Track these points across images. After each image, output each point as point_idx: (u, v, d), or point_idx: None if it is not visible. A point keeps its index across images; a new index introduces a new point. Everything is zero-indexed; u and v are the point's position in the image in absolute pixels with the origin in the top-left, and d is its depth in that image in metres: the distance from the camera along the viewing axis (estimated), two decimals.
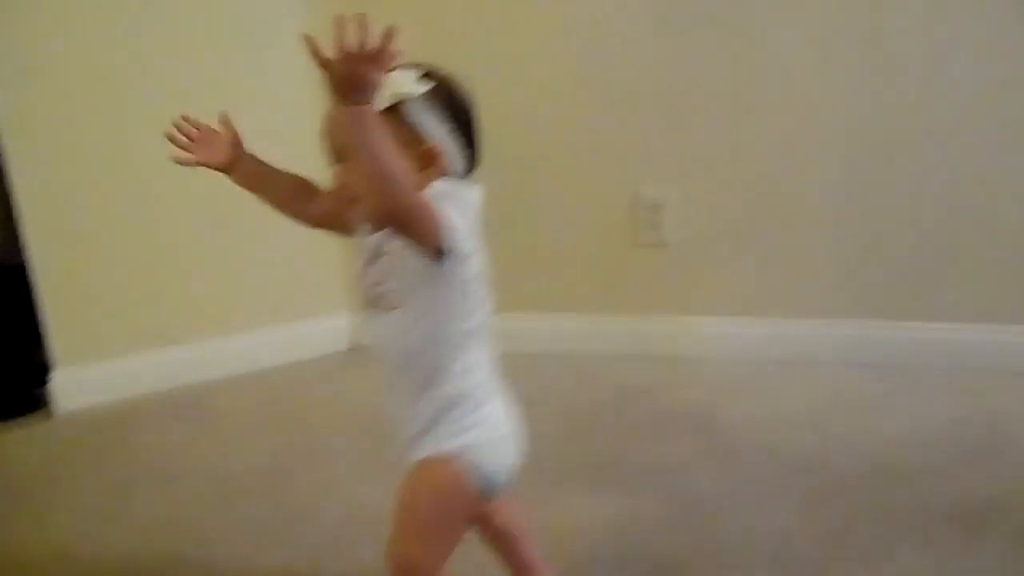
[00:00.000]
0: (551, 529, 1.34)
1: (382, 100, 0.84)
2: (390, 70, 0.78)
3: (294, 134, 2.09)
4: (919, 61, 1.77)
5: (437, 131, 0.89)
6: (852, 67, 1.82)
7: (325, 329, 2.22)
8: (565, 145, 2.04)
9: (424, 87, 0.88)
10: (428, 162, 0.89)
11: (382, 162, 0.78)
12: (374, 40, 0.72)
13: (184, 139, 1.02)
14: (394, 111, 0.87)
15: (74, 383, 1.99)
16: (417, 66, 0.89)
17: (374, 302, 0.94)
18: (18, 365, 2.07)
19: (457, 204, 0.87)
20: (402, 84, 0.87)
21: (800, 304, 1.95)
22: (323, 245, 2.19)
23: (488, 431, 0.93)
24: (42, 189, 1.92)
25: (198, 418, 1.91)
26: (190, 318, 2.11)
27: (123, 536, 1.43)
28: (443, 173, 0.90)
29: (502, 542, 1.10)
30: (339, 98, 0.75)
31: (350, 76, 0.73)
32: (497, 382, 0.98)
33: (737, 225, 1.96)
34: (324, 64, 0.73)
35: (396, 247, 0.88)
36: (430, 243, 0.84)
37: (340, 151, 0.90)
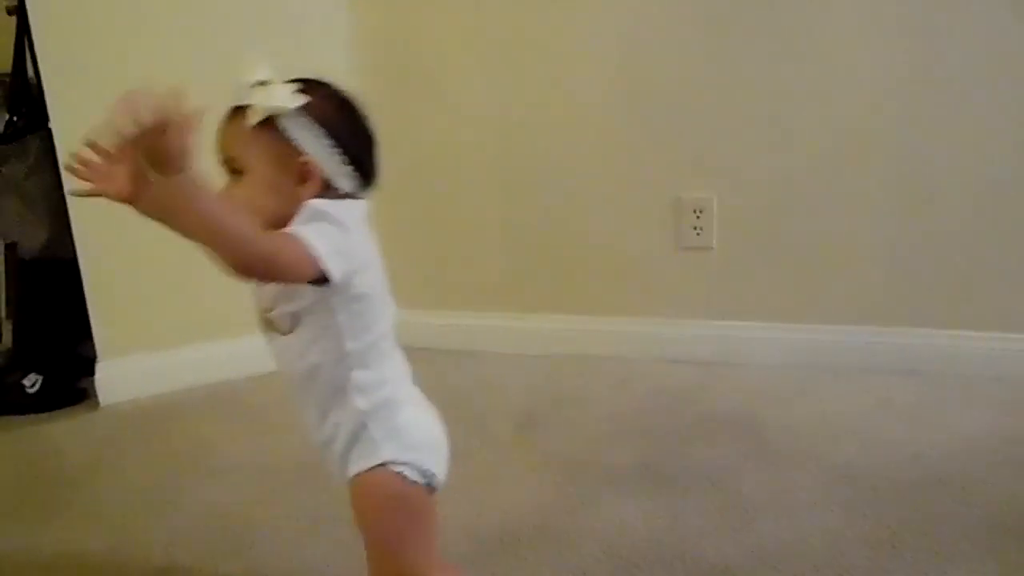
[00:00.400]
0: (597, 531, 1.34)
1: (257, 115, 0.84)
2: (188, 135, 0.71)
3: None
4: (968, 64, 1.75)
5: (313, 146, 0.87)
6: (899, 70, 1.80)
7: None
8: (607, 148, 2.04)
9: (299, 101, 0.85)
10: (304, 178, 0.87)
11: (216, 228, 0.75)
12: (156, 112, 0.67)
13: (83, 170, 0.90)
14: (268, 126, 0.85)
15: (118, 376, 2.02)
16: (297, 80, 0.87)
17: (269, 325, 0.92)
18: (65, 357, 2.10)
19: (332, 222, 0.83)
20: (275, 98, 0.84)
21: (845, 310, 1.92)
22: None
23: (410, 435, 0.93)
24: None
25: (239, 412, 1.93)
26: (231, 314, 2.12)
27: (170, 527, 1.45)
28: (320, 189, 0.87)
29: None
30: (154, 171, 0.71)
31: (150, 151, 0.70)
32: (410, 389, 0.97)
33: (781, 229, 1.95)
34: (127, 145, 0.71)
35: None
36: (302, 279, 0.82)
37: (231, 165, 0.88)
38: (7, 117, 2.13)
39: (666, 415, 1.76)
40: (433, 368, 2.06)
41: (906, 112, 1.81)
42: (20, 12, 2.04)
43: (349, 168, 0.89)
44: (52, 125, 1.93)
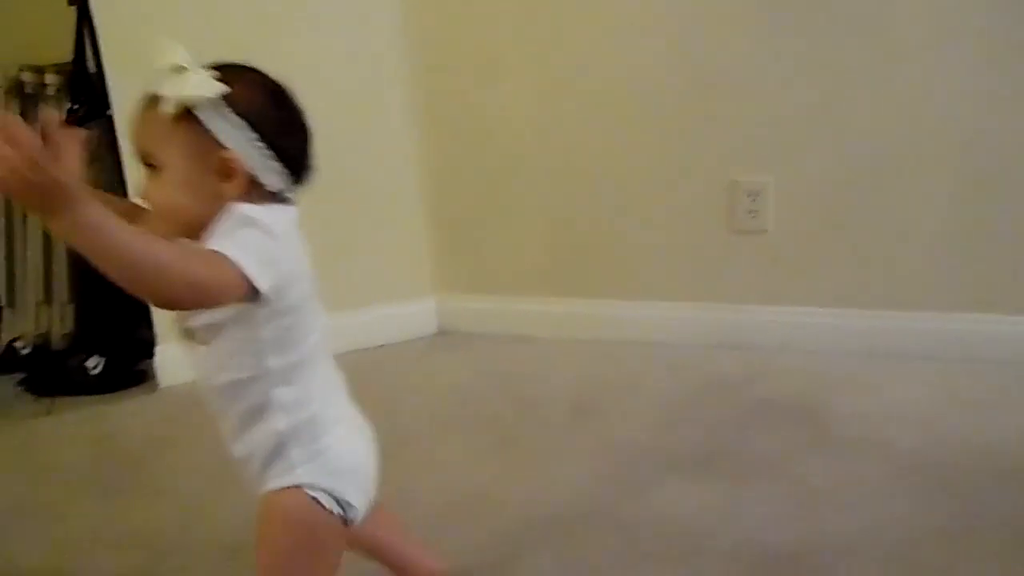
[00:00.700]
0: (654, 517, 1.33)
1: (169, 106, 0.76)
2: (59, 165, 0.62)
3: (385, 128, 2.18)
4: None
5: (236, 140, 0.78)
6: (961, 51, 1.75)
7: (413, 313, 2.25)
8: (662, 131, 2.00)
9: (219, 90, 0.77)
10: (226, 175, 0.79)
11: (129, 262, 0.66)
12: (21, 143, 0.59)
13: None
14: (186, 117, 0.77)
15: (177, 359, 2.05)
16: (218, 66, 0.79)
17: (186, 336, 0.85)
18: (126, 340, 2.14)
19: (260, 229, 0.76)
20: (195, 87, 0.76)
21: (906, 296, 1.88)
22: (414, 231, 2.25)
23: (332, 460, 0.85)
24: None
25: None
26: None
27: (236, 507, 1.47)
28: (246, 187, 0.79)
29: (376, 552, 1.04)
30: (39, 215, 0.63)
31: (22, 191, 0.61)
32: (340, 408, 0.91)
33: (840, 212, 1.90)
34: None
35: None
36: (232, 301, 0.75)
37: (146, 160, 0.81)
38: (68, 106, 2.17)
39: (722, 402, 1.75)
40: (485, 353, 2.10)
41: (969, 94, 1.76)
42: (81, 2, 2.08)
43: (277, 163, 0.81)
44: (112, 114, 1.95)
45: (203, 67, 0.78)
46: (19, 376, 2.13)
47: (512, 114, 2.12)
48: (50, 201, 0.61)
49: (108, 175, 2.07)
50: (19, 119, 0.61)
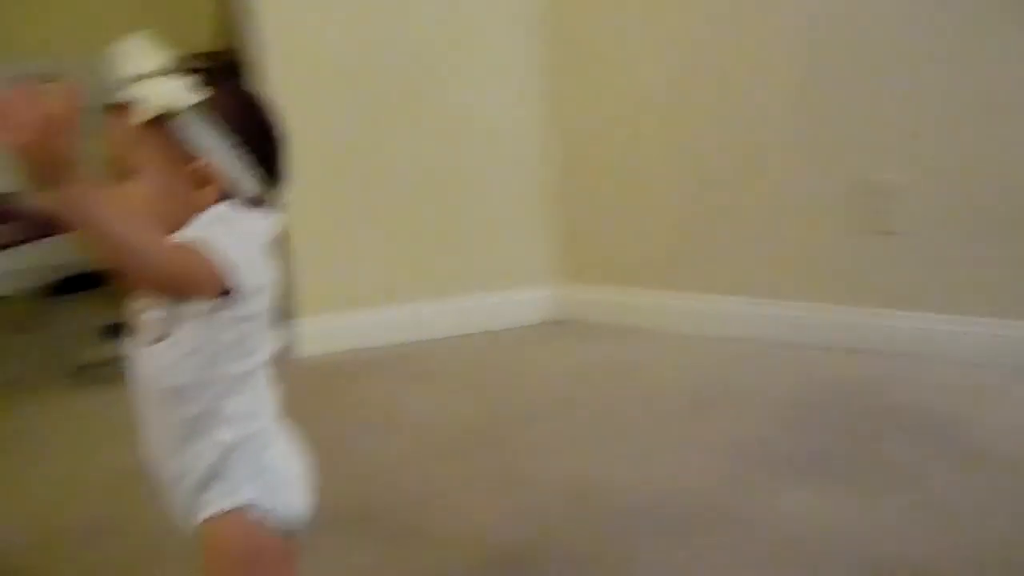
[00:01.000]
0: (771, 519, 1.30)
1: (145, 112, 0.74)
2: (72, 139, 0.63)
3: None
4: None
5: (213, 147, 0.77)
6: None
7: (530, 300, 2.27)
8: (792, 129, 1.95)
9: (195, 97, 0.75)
10: (200, 182, 0.77)
11: (117, 243, 0.68)
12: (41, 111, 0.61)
13: None
14: (158, 124, 0.75)
15: (315, 330, 2.15)
16: (194, 71, 0.77)
17: (138, 329, 0.82)
18: None
19: (236, 234, 0.75)
20: (168, 93, 0.74)
21: None
22: (535, 220, 2.27)
23: (275, 476, 0.83)
24: (304, 146, 2.05)
25: (426, 374, 2.02)
26: (426, 278, 2.22)
27: (345, 480, 1.51)
28: (223, 194, 0.78)
29: None
30: (39, 185, 0.64)
31: (34, 158, 0.62)
32: (279, 422, 0.87)
33: (978, 215, 1.80)
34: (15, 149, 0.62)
35: None
36: (207, 294, 0.75)
37: (118, 166, 0.79)
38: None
39: (847, 406, 1.69)
40: (603, 343, 2.10)
41: None
42: None
43: (252, 170, 0.79)
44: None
45: (175, 72, 0.76)
46: None
47: (638, 106, 2.11)
48: (55, 172, 0.63)
49: None
50: (43, 90, 0.63)
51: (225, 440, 0.80)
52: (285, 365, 2.09)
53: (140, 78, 0.75)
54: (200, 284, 0.74)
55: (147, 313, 0.80)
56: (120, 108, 0.76)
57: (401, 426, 1.74)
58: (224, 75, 0.83)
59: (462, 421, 1.73)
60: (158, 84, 0.74)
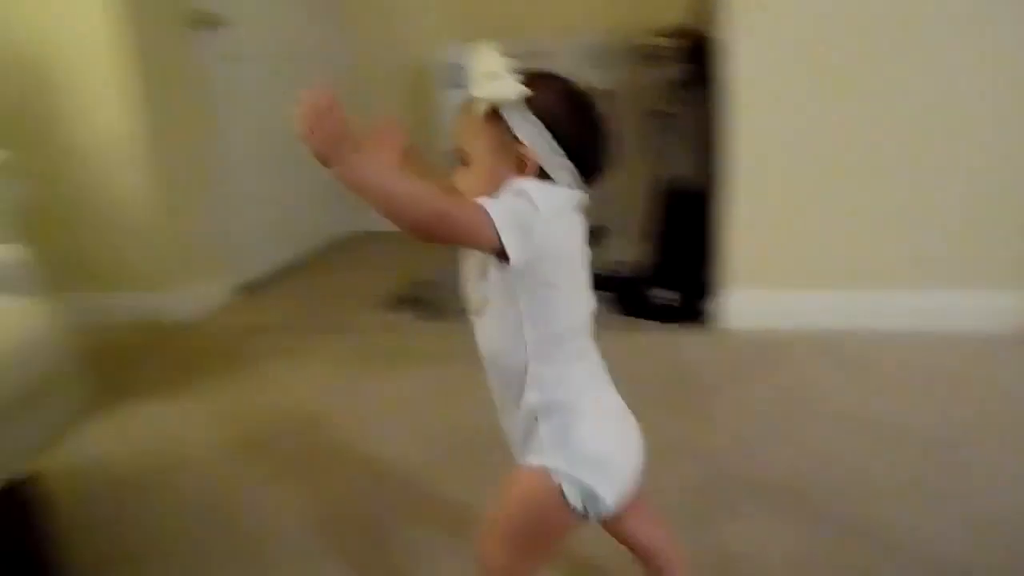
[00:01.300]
0: None
1: (480, 106, 0.87)
2: (338, 131, 0.78)
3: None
4: None
5: (533, 138, 0.87)
6: None
7: (994, 305, 2.04)
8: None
9: (521, 92, 0.86)
10: (520, 168, 0.88)
11: (386, 193, 0.80)
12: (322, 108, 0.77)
13: (304, 112, 0.81)
14: (495, 117, 0.87)
15: (741, 305, 2.22)
16: (527, 72, 0.88)
17: (470, 305, 0.93)
18: (692, 280, 2.37)
19: (526, 201, 0.83)
20: (500, 89, 0.86)
21: None
22: (1007, 218, 2.02)
23: (586, 450, 0.87)
24: (762, 121, 2.11)
25: (847, 362, 1.96)
26: (857, 266, 2.15)
27: (779, 455, 1.57)
28: (539, 178, 0.89)
29: (640, 558, 1.07)
30: (322, 163, 0.79)
31: (318, 145, 0.78)
32: (603, 398, 0.92)
33: None
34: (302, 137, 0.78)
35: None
36: (478, 243, 0.83)
37: (462, 156, 0.91)
38: (688, 66, 2.41)
39: None
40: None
41: None
42: None
43: (568, 162, 0.89)
44: (723, 74, 2.12)
45: (513, 73, 0.87)
46: (607, 296, 2.50)
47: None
48: (337, 152, 0.78)
49: (705, 129, 2.29)
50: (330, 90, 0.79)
51: (531, 402, 0.89)
52: (711, 333, 2.14)
53: (481, 77, 0.88)
54: (468, 231, 0.83)
55: (473, 289, 0.93)
56: (466, 106, 0.90)
57: (829, 415, 1.72)
58: (553, 78, 0.92)
59: (909, 423, 1.66)
60: (495, 82, 0.87)
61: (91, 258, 2.56)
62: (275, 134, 2.86)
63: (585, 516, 0.89)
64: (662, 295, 2.38)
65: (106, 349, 2.34)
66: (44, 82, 2.42)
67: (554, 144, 0.88)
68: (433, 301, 2.50)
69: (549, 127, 0.88)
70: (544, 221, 0.84)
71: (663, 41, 2.54)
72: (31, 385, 1.23)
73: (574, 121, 0.90)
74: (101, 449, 1.75)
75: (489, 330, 0.92)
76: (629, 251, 2.64)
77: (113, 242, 2.54)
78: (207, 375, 2.14)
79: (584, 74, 1.01)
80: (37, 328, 1.29)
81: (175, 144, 2.55)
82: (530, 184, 0.87)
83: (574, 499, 0.87)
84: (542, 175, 0.89)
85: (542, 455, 0.89)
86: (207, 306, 2.66)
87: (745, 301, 2.21)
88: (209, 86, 2.71)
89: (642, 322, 2.33)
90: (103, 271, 2.57)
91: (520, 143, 0.88)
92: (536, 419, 0.89)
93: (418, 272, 2.78)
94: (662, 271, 2.47)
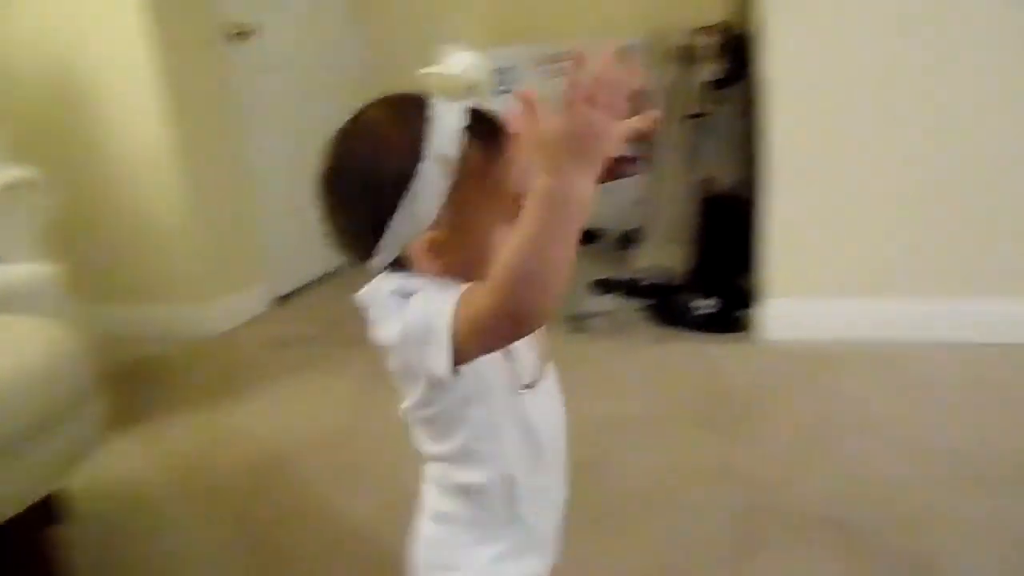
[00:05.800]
0: None
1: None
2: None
3: None
4: None
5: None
6: None
7: None
8: None
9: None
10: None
11: (548, 260, 0.59)
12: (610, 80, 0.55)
13: (522, 108, 0.73)
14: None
15: (781, 315, 2.13)
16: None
17: (520, 377, 0.75)
18: (731, 288, 2.29)
19: None
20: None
21: None
22: None
23: None
24: (790, 140, 2.04)
25: (897, 379, 1.87)
26: (897, 275, 2.06)
27: (820, 476, 1.49)
28: None
29: None
30: (560, 160, 0.57)
31: (582, 131, 0.56)
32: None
33: None
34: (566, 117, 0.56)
35: None
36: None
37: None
38: (725, 65, 2.34)
39: None
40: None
41: None
42: None
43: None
44: (762, 74, 2.04)
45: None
46: (641, 303, 2.43)
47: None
48: (590, 152, 0.58)
49: (746, 131, 2.21)
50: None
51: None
52: (750, 343, 2.05)
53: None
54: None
55: (524, 351, 0.76)
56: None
57: (876, 430, 1.64)
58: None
59: (950, 436, 1.57)
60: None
61: (125, 271, 2.58)
62: (307, 144, 2.83)
63: None
64: (700, 304, 2.30)
65: (137, 363, 2.35)
66: (78, 96, 2.44)
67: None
68: None
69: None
70: None
71: (702, 39, 2.48)
72: (55, 406, 1.22)
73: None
74: (125, 467, 1.75)
75: (552, 401, 0.79)
76: (665, 256, 2.58)
77: (147, 255, 2.56)
78: (234, 390, 2.13)
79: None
80: (61, 348, 1.28)
81: (208, 156, 2.56)
82: None
83: None
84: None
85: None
86: (241, 318, 2.66)
87: (785, 310, 2.13)
88: (241, 98, 2.71)
89: (679, 331, 2.26)
90: (138, 284, 2.59)
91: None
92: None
93: None
94: (700, 278, 2.40)
